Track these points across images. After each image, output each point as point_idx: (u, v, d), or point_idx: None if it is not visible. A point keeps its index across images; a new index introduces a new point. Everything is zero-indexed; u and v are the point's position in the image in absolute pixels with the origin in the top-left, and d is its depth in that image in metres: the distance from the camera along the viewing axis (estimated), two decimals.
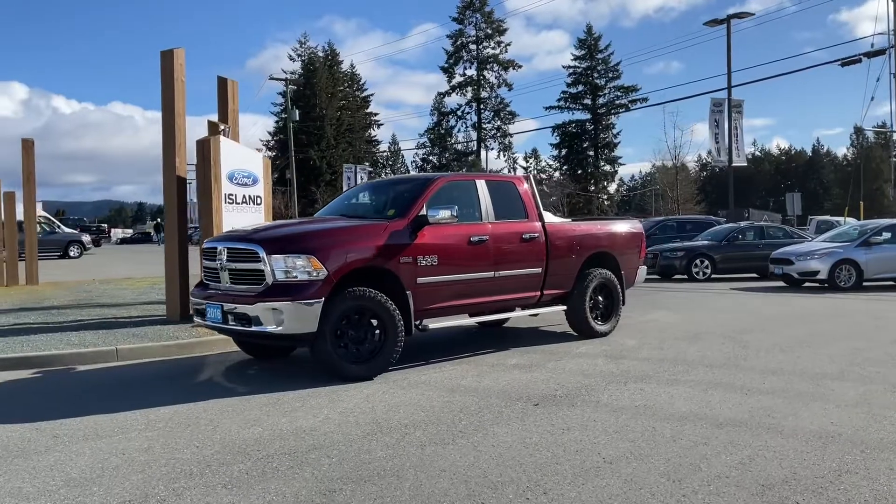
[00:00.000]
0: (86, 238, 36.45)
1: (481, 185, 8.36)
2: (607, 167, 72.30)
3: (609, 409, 5.82)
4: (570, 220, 9.66)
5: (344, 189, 50.67)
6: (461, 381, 6.92)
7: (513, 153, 70.96)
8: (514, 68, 69.09)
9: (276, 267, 6.75)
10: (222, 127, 11.05)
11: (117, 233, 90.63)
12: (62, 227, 36.81)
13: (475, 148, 69.25)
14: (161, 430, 5.39)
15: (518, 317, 9.66)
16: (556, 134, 71.02)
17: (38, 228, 32.91)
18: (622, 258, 9.71)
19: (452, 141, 71.86)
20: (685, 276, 18.66)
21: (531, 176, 9.08)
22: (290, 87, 56.12)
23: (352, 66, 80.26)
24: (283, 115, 74.64)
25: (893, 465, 4.42)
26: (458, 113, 70.22)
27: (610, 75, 70.86)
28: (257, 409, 5.98)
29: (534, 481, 4.22)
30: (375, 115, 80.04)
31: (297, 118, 50.51)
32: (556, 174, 74.03)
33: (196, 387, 6.94)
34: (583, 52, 70.96)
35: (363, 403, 6.10)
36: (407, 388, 6.65)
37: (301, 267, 6.75)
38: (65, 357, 8.01)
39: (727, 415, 5.58)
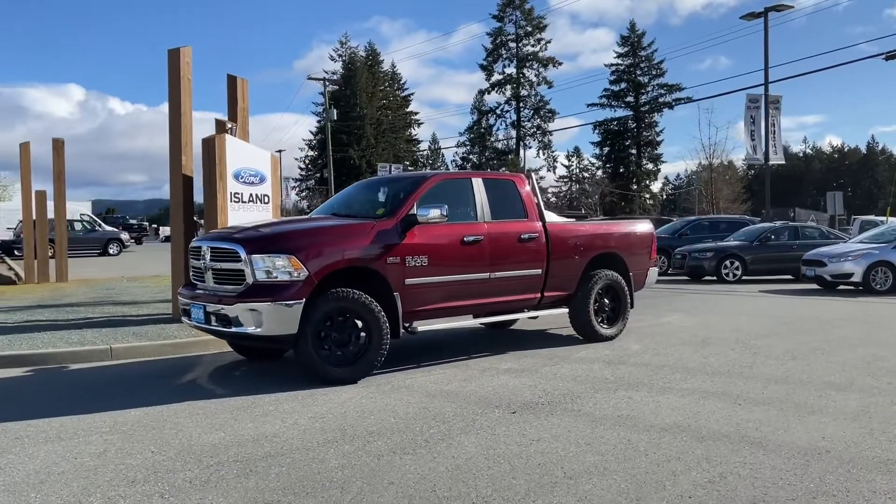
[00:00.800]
0: (125, 236, 37.18)
1: (478, 184, 8.12)
2: (650, 165, 71.21)
3: (588, 418, 5.55)
4: (573, 220, 9.36)
5: None
6: (446, 386, 6.71)
7: (552, 151, 70.40)
8: (554, 66, 68.48)
9: (256, 267, 6.62)
10: (229, 125, 11.00)
11: (165, 231, 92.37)
12: (102, 225, 37.55)
13: (514, 146, 68.75)
14: (123, 434, 5.29)
15: (527, 319, 9.39)
16: (597, 132, 70.24)
17: (80, 226, 33.77)
18: (631, 259, 9.38)
19: (493, 139, 71.49)
20: (714, 278, 18.09)
21: (532, 175, 8.80)
22: (328, 86, 56.50)
23: (392, 65, 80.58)
24: (322, 115, 75.52)
25: (877, 486, 4.08)
26: (498, 111, 69.85)
27: (653, 73, 69.78)
28: (228, 412, 5.86)
29: (482, 497, 3.98)
30: (416, 114, 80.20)
31: (335, 118, 50.65)
32: (599, 172, 73.20)
33: (176, 388, 6.85)
34: (626, 49, 70.00)
35: (337, 408, 5.93)
36: (387, 393, 6.46)
37: (281, 267, 6.61)
38: (58, 355, 8.02)
39: (712, 427, 5.26)
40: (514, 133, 69.63)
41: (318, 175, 72.11)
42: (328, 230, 7.22)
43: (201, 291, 7.18)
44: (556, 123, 68.96)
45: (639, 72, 69.83)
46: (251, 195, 10.90)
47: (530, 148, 69.82)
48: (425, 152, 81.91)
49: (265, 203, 11.12)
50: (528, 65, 68.39)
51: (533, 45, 68.30)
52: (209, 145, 10.38)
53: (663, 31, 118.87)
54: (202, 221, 11.81)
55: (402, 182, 8.30)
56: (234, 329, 6.69)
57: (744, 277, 18.02)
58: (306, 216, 8.82)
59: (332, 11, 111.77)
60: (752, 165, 79.94)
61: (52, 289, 16.26)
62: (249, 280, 6.65)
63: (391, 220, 7.32)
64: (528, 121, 69.65)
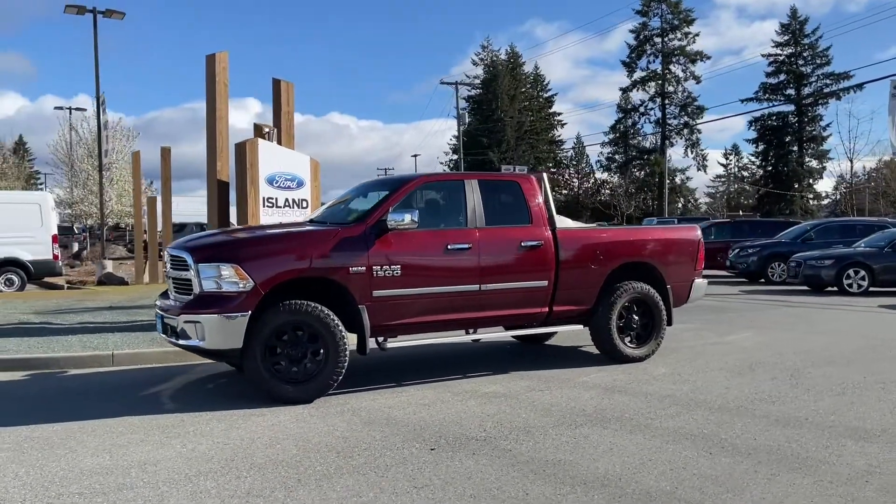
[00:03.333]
0: None
1: (471, 186, 7.35)
2: (813, 163, 65.51)
3: (512, 461, 4.71)
4: (595, 225, 8.35)
5: None
6: (399, 411, 6.05)
7: (701, 150, 66.49)
8: (702, 60, 64.68)
9: (203, 276, 6.28)
10: (266, 130, 10.88)
11: None
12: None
13: (658, 145, 65.66)
14: (17, 451, 5.08)
15: (565, 333, 8.56)
16: (753, 128, 65.66)
17: (195, 230, 35.81)
18: (668, 270, 8.23)
19: (640, 139, 68.65)
20: (836, 289, 15.95)
21: (543, 175, 7.90)
22: (470, 90, 56.65)
23: (535, 67, 79.51)
24: (466, 119, 75.86)
25: None
26: (641, 109, 66.98)
27: (817, 62, 64.18)
28: (144, 431, 5.53)
29: None
30: (559, 115, 78.67)
31: (467, 121, 50.63)
32: (760, 171, 68.46)
33: (131, 401, 6.62)
34: (786, 38, 64.86)
35: (255, 433, 5.44)
36: (326, 417, 5.89)
37: (227, 277, 6.22)
38: (60, 360, 8.12)
39: (648, 484, 4.28)
40: (658, 131, 66.49)
41: None
42: (283, 238, 6.77)
43: (169, 301, 6.96)
44: (707, 121, 65.07)
45: (801, 61, 64.50)
46: (287, 200, 10.70)
47: (674, 146, 66.41)
48: (569, 153, 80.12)
49: (303, 208, 10.89)
50: (674, 60, 65.04)
51: (680, 40, 64.85)
52: (241, 150, 10.28)
53: (839, 19, 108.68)
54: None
55: (386, 185, 7.69)
56: (181, 341, 6.39)
57: (871, 289, 15.76)
58: (279, 224, 8.41)
59: (490, 16, 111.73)
60: None
61: (134, 290, 17.07)
62: (196, 290, 6.32)
63: (359, 227, 6.76)
64: (675, 118, 66.28)
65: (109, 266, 22.00)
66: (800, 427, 5.41)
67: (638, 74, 65.93)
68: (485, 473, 4.49)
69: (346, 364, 6.45)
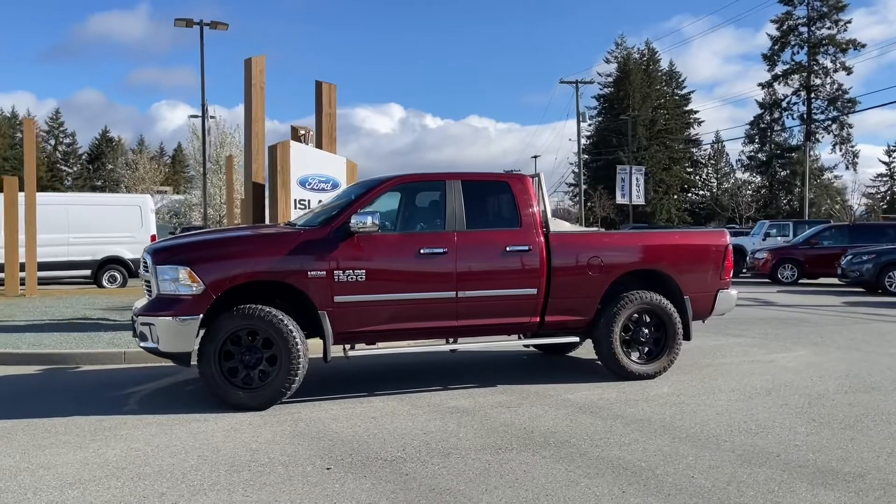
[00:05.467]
0: None
1: (452, 188, 6.92)
2: None
3: (393, 488, 4.31)
4: (596, 229, 7.65)
5: (617, 192, 48.34)
6: (337, 425, 5.73)
7: (851, 146, 61.33)
8: (856, 49, 59.64)
9: (160, 278, 6.26)
10: (302, 132, 10.90)
11: None
12: None
13: (802, 141, 61.18)
14: None
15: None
16: None
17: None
18: (685, 278, 7.42)
19: (785, 136, 64.34)
20: None
21: (540, 176, 7.32)
22: (592, 90, 55.02)
23: (671, 64, 76.43)
24: (596, 119, 74.01)
25: None
26: (784, 104, 62.66)
27: None
28: (77, 433, 5.52)
29: None
30: (695, 112, 75.13)
31: (587, 120, 49.33)
32: None
33: (99, 400, 6.66)
34: None
35: (177, 439, 5.33)
36: (261, 427, 5.68)
37: (182, 279, 6.17)
38: (77, 356, 8.44)
39: None
40: (802, 127, 61.96)
41: (594, 181, 70.61)
42: (237, 241, 6.64)
43: (139, 303, 6.99)
44: (859, 115, 60.05)
45: None
46: (320, 201, 10.64)
47: (819, 143, 61.61)
48: (706, 151, 76.27)
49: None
50: (821, 50, 60.39)
51: (829, 28, 60.15)
52: (273, 153, 10.35)
53: None
54: None
55: (362, 186, 7.39)
56: (142, 344, 6.41)
57: None
58: (258, 225, 8.28)
59: (636, 13, 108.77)
60: None
61: None
62: (154, 292, 6.33)
63: (323, 230, 6.54)
64: (821, 112, 61.56)
65: None
66: (761, 465, 4.64)
67: (780, 68, 61.81)
68: (354, 498, 4.12)
69: (300, 371, 6.23)
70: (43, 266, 17.02)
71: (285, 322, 6.20)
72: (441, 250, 6.68)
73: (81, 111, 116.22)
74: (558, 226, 7.23)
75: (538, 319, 7.05)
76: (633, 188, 45.99)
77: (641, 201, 49.04)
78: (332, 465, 4.75)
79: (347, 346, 6.73)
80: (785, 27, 61.31)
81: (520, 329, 7.16)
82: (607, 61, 74.61)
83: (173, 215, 46.11)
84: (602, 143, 71.48)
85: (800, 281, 20.42)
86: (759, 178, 67.40)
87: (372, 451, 5.04)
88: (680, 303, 7.40)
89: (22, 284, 16.27)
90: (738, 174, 70.94)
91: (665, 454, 4.89)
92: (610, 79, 74.14)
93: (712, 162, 76.94)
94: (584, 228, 7.93)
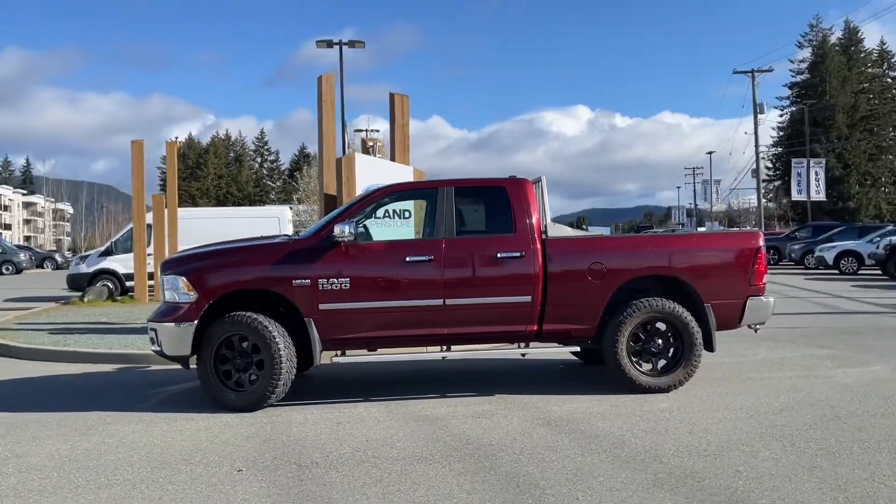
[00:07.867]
0: None
1: (445, 195, 6.87)
2: None
3: (278, 491, 4.43)
4: (602, 233, 7.20)
5: (793, 187, 44.26)
6: (303, 429, 5.90)
7: None
8: None
9: (165, 287, 6.82)
10: (370, 144, 11.25)
11: None
12: None
13: None
14: None
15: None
16: None
17: None
18: (705, 284, 6.82)
19: None
20: None
21: (542, 180, 7.04)
22: (783, 78, 50.83)
23: (882, 43, 69.14)
24: (792, 108, 68.48)
25: None
26: None
27: None
28: (68, 427, 6.04)
29: None
30: None
31: (765, 111, 45.86)
32: None
33: (121, 398, 7.19)
34: None
35: (147, 437, 5.78)
36: (235, 427, 6.00)
37: (181, 288, 6.68)
38: (150, 357, 9.29)
39: None
40: None
41: (785, 175, 65.61)
42: (232, 251, 7.00)
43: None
44: None
45: None
46: (387, 211, 10.93)
47: None
48: None
49: (405, 219, 11.01)
50: None
51: None
52: (338, 165, 10.77)
53: None
54: None
55: (359, 196, 7.49)
56: (153, 347, 6.99)
57: None
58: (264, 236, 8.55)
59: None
60: None
61: None
62: (163, 299, 6.90)
63: (311, 240, 6.78)
64: None
65: None
66: (669, 491, 4.22)
67: None
68: (236, 500, 4.30)
69: (283, 375, 6.49)
70: None
71: (270, 329, 6.50)
72: (427, 258, 6.67)
73: (292, 131, 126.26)
74: (558, 231, 6.95)
75: (535, 328, 6.82)
76: (811, 182, 42.08)
77: (822, 197, 44.77)
78: (248, 467, 4.95)
79: (332, 353, 6.90)
80: None
81: (516, 338, 6.96)
82: (800, 46, 69.07)
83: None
84: (796, 133, 66.07)
85: None
86: None
87: (299, 455, 5.18)
88: (700, 311, 6.83)
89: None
90: None
91: (579, 471, 4.59)
92: (804, 65, 68.53)
93: None
94: (587, 233, 7.52)
